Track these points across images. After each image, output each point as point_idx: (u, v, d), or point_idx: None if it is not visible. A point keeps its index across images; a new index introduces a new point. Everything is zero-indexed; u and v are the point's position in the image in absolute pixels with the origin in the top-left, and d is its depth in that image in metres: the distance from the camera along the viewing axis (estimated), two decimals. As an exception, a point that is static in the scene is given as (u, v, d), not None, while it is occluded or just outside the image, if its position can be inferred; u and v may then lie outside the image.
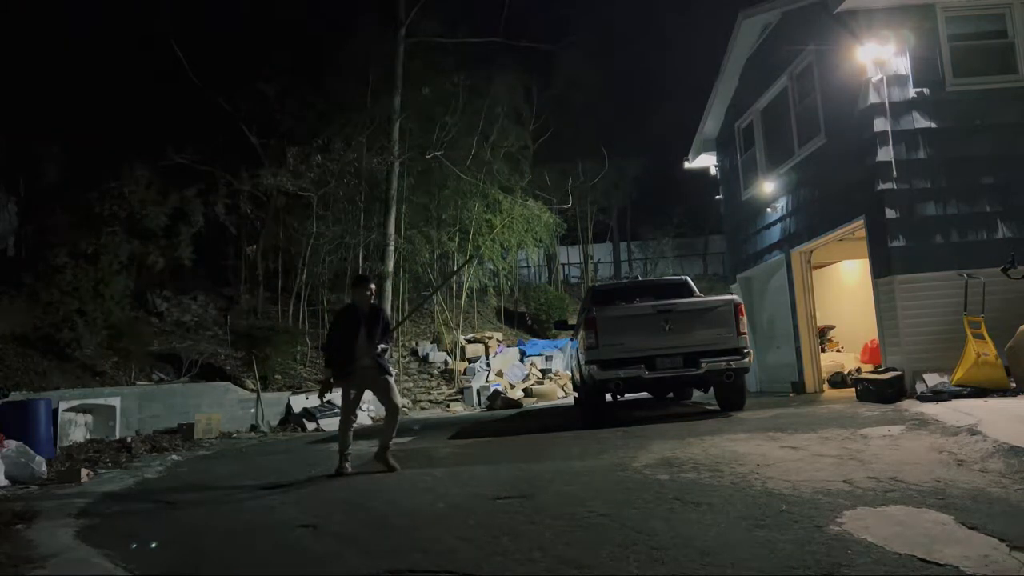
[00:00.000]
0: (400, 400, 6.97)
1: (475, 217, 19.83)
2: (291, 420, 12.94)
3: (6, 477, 7.28)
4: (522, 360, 18.94)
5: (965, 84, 9.11)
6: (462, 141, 19.07)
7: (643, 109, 30.39)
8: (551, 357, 19.14)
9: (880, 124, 9.03)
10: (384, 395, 6.74)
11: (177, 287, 16.98)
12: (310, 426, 12.61)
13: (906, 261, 8.90)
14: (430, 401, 16.64)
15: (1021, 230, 8.91)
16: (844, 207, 9.96)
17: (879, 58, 9.05)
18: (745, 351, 8.81)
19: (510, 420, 11.95)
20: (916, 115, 9.10)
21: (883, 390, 8.60)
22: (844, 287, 13.96)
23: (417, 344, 19.60)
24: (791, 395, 11.28)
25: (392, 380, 6.80)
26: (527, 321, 24.19)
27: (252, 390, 13.08)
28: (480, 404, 16.13)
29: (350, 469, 6.61)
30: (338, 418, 12.71)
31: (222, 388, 12.79)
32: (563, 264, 31.90)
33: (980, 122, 9.07)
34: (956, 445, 5.55)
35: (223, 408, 12.23)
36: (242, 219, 17.50)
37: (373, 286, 7.03)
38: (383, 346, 6.76)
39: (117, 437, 10.36)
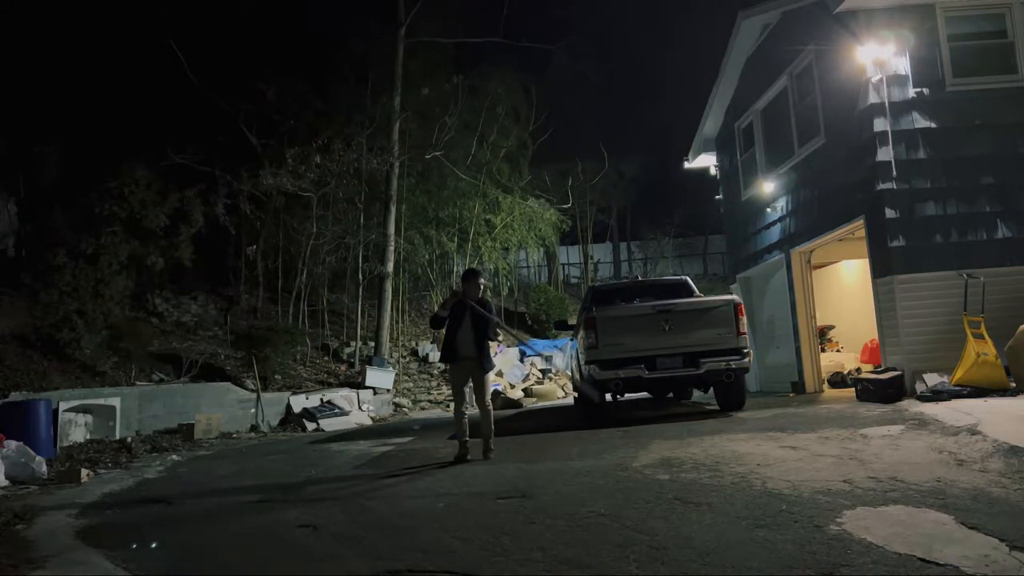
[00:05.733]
0: (490, 402, 7.10)
1: (475, 217, 19.82)
2: (291, 420, 12.93)
3: (6, 477, 7.28)
4: (522, 360, 18.92)
5: (965, 84, 9.11)
6: (461, 141, 19.07)
7: (643, 109, 30.41)
8: (551, 357, 19.12)
9: (880, 124, 9.03)
10: (477, 391, 6.96)
11: (177, 287, 16.96)
12: (310, 426, 12.60)
13: (906, 261, 8.90)
14: (430, 401, 16.63)
15: (1021, 230, 8.91)
16: (844, 207, 9.96)
17: (879, 58, 9.06)
18: (745, 351, 8.81)
19: (510, 420, 11.94)
20: (916, 115, 9.10)
21: (883, 390, 8.60)
22: (844, 287, 13.96)
23: (417, 344, 19.59)
24: (791, 395, 11.28)
25: (488, 377, 7.00)
26: (527, 321, 24.18)
27: (252, 390, 13.08)
28: (480, 404, 16.11)
29: (468, 455, 6.77)
30: (338, 418, 12.91)
31: (222, 388, 12.78)
32: (563, 264, 31.88)
33: (980, 122, 9.08)
34: (956, 445, 5.55)
35: (223, 408, 12.22)
36: (242, 219, 17.47)
37: (483, 281, 7.27)
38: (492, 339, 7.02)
39: (117, 437, 10.36)
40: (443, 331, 7.04)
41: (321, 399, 13.53)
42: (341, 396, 13.92)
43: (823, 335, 13.27)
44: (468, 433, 6.83)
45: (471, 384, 7.03)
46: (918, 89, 9.11)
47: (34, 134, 14.84)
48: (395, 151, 17.24)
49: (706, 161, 15.91)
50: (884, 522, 3.74)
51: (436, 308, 7.69)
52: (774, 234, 12.51)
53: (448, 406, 16.04)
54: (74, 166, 14.80)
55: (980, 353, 7.92)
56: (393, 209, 17.37)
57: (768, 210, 12.62)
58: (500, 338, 7.40)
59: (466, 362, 6.90)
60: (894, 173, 8.97)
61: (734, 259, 15.00)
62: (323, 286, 18.33)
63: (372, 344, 17.23)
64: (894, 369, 8.87)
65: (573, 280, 31.92)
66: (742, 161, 13.82)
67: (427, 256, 19.54)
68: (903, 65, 9.14)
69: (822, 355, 12.17)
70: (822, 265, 13.32)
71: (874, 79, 9.06)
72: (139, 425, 11.03)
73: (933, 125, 9.09)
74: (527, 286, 27.43)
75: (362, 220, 17.74)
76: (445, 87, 19.06)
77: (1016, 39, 9.12)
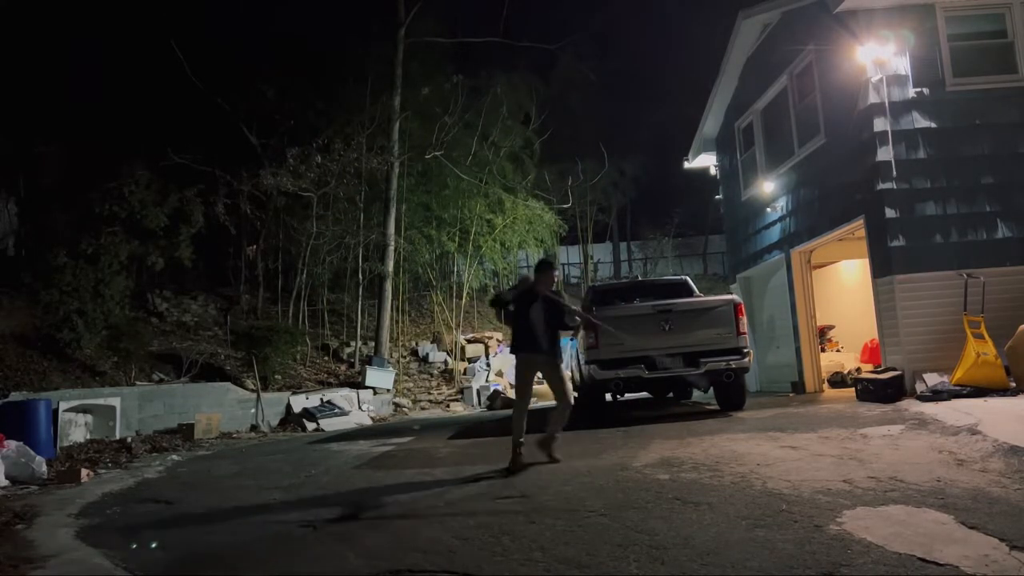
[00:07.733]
0: (571, 393, 6.66)
1: (476, 217, 19.83)
2: (291, 420, 12.94)
3: (6, 477, 7.28)
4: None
5: (965, 84, 9.11)
6: (462, 141, 19.07)
7: (643, 109, 30.39)
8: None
9: (880, 124, 9.03)
10: (555, 386, 6.55)
11: (177, 287, 16.97)
12: (310, 426, 12.61)
13: (906, 261, 8.90)
14: (430, 401, 16.64)
15: (1021, 230, 8.91)
16: (844, 207, 9.96)
17: (879, 58, 9.06)
18: (745, 351, 8.81)
19: (510, 420, 11.93)
20: (916, 115, 9.10)
21: (883, 390, 8.60)
22: (844, 287, 13.96)
23: (417, 344, 19.60)
24: (791, 395, 11.28)
25: (564, 370, 6.66)
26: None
27: (252, 390, 13.08)
28: (480, 404, 16.12)
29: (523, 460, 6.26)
30: (338, 418, 12.91)
31: (222, 388, 12.78)
32: (563, 264, 31.88)
33: (980, 122, 9.08)
34: (956, 445, 5.55)
35: (223, 408, 12.23)
36: (242, 219, 17.49)
37: (557, 272, 6.82)
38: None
39: (117, 437, 10.36)
40: (504, 321, 6.68)
41: (321, 399, 13.53)
42: (341, 396, 13.92)
43: (823, 335, 13.27)
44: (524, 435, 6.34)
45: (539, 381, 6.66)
46: (918, 89, 9.11)
47: (34, 134, 14.84)
48: (395, 151, 17.25)
49: (706, 161, 15.91)
50: (884, 522, 3.74)
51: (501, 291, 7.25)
52: (774, 234, 12.51)
53: (448, 406, 16.05)
54: (74, 166, 14.79)
55: (980, 353, 7.92)
56: (393, 209, 17.37)
57: (768, 210, 12.62)
58: (575, 326, 7.07)
59: (538, 355, 6.48)
60: (894, 173, 8.97)
61: (734, 259, 15.00)
62: (323, 286, 18.34)
63: (372, 344, 17.23)
64: (894, 369, 8.87)
65: (573, 280, 31.93)
66: (742, 161, 13.82)
67: (427, 256, 19.54)
68: (903, 65, 9.13)
69: (822, 355, 12.17)
70: (822, 265, 13.32)
71: (874, 79, 9.06)
72: (139, 425, 11.03)
73: (933, 125, 9.09)
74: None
75: (362, 220, 17.74)
76: (445, 87, 19.07)
77: (1016, 39, 9.12)
